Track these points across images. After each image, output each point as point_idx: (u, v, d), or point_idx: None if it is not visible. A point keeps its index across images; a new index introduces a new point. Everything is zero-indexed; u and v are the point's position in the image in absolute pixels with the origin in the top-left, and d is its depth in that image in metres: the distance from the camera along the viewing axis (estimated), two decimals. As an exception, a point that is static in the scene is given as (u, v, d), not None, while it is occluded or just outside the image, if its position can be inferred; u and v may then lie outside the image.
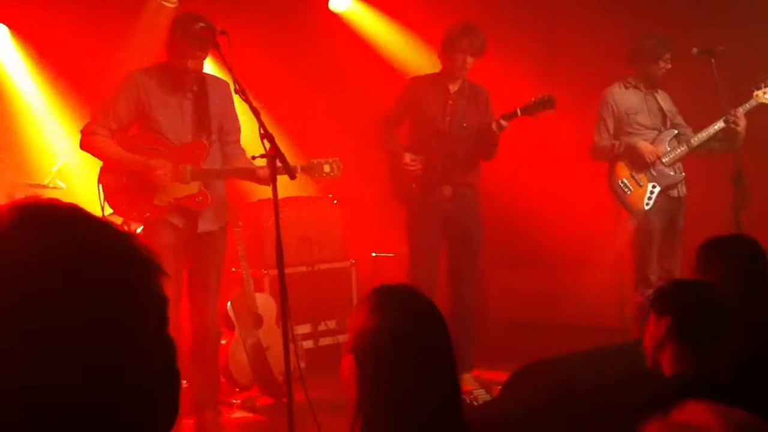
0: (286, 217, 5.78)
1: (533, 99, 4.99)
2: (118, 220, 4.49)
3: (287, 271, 3.75)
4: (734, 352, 2.43)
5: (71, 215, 0.92)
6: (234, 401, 5.27)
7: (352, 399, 1.90)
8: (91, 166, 5.29)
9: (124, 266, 0.90)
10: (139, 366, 0.88)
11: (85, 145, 4.49)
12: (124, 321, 0.88)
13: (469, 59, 5.15)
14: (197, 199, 4.49)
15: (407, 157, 5.20)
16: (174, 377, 0.93)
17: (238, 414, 5.18)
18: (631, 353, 2.76)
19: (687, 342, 2.41)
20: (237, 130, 4.71)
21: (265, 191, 4.47)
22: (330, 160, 4.70)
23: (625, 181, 5.39)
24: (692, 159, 5.45)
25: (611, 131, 5.47)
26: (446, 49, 5.20)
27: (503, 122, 5.02)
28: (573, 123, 5.98)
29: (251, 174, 4.48)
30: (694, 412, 1.16)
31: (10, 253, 0.86)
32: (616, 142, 5.42)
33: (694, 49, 5.21)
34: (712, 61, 5.12)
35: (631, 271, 5.41)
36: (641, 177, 5.37)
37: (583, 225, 6.43)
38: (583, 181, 6.24)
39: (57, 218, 0.91)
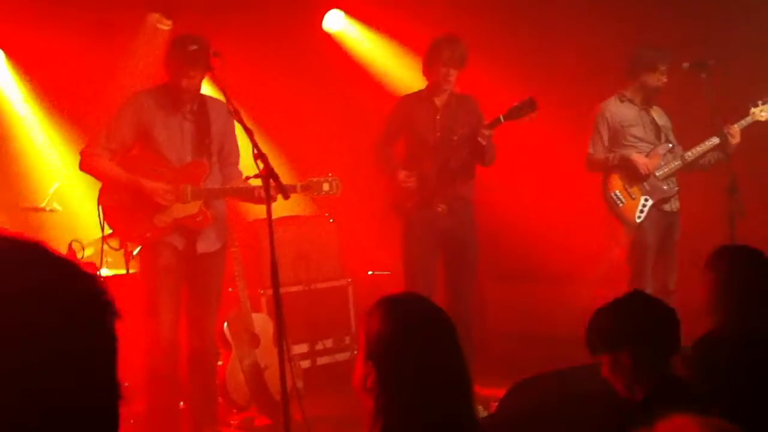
0: (282, 237, 5.79)
1: (515, 104, 4.96)
2: (116, 241, 4.50)
3: (283, 290, 3.76)
4: (735, 355, 2.46)
5: (31, 251, 0.92)
6: (231, 422, 5.26)
7: (369, 406, 1.92)
8: (88, 187, 5.31)
9: (78, 306, 0.91)
10: (83, 402, 0.89)
11: (85, 167, 4.50)
12: (72, 358, 0.89)
13: (453, 71, 5.14)
14: (197, 219, 4.50)
15: (402, 174, 5.21)
16: (115, 416, 0.94)
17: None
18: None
19: (636, 376, 2.53)
20: (237, 152, 4.73)
21: (260, 211, 4.48)
22: (329, 179, 4.72)
23: (618, 194, 5.40)
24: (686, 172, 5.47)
25: (606, 144, 5.48)
26: (428, 63, 5.21)
27: (486, 132, 5.03)
28: (566, 137, 6.00)
29: (250, 194, 4.47)
30: (679, 423, 1.17)
31: None
32: (610, 155, 5.43)
33: (685, 64, 5.23)
34: (704, 75, 5.15)
35: (627, 285, 5.41)
36: (634, 190, 5.39)
37: (577, 238, 6.45)
38: (577, 195, 6.25)
39: (15, 254, 0.91)
